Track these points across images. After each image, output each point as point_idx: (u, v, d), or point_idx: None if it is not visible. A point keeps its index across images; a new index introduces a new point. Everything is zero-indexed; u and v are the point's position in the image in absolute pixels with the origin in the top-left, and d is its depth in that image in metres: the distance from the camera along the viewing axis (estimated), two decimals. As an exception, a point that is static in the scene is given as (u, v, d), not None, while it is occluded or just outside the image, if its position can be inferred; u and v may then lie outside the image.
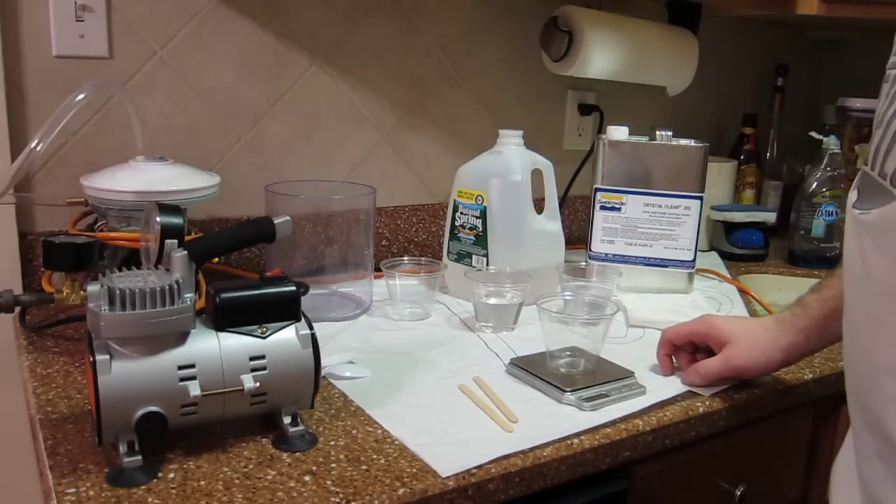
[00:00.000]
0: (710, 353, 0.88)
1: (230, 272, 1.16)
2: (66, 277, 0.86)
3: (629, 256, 1.24)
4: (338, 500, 0.63)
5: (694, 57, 1.49)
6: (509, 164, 1.14)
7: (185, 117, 1.14)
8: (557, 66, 1.35)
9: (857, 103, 1.64)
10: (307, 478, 0.66)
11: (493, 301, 1.04)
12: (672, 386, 0.87)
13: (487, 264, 1.13)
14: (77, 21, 1.03)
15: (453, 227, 1.17)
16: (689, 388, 0.87)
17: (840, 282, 0.76)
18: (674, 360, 0.92)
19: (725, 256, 1.53)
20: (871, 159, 0.59)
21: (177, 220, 0.71)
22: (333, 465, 0.68)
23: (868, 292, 0.58)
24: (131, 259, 0.93)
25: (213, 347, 0.67)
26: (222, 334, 0.68)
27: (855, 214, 0.60)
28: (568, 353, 0.89)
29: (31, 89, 1.03)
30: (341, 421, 0.76)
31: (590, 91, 1.57)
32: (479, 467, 0.68)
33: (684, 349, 0.91)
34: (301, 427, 0.71)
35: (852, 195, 0.62)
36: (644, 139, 1.24)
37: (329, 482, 0.65)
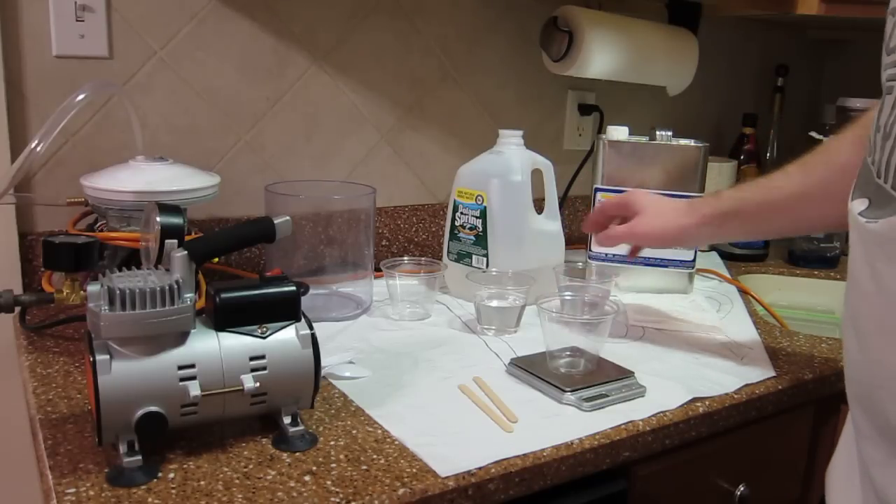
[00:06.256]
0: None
1: (230, 272, 1.16)
2: (66, 277, 0.86)
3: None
4: (338, 500, 0.63)
5: (694, 57, 1.49)
6: (509, 164, 1.14)
7: (185, 117, 1.14)
8: (557, 66, 1.35)
9: (857, 103, 1.64)
10: (307, 478, 0.66)
11: (495, 303, 1.04)
12: (673, 387, 0.88)
13: (487, 264, 1.13)
14: (77, 21, 1.03)
15: (453, 227, 1.17)
16: (689, 390, 0.87)
17: (759, 191, 0.89)
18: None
19: (725, 256, 1.53)
20: (883, 171, 0.58)
21: (177, 220, 0.71)
22: (333, 465, 0.68)
23: (878, 302, 0.58)
24: (131, 259, 0.93)
25: (213, 347, 0.67)
26: (222, 334, 0.68)
27: (861, 223, 0.60)
28: (568, 353, 0.89)
29: (31, 89, 1.03)
30: (341, 421, 0.76)
31: (590, 91, 1.57)
32: (479, 467, 0.68)
33: (615, 219, 1.00)
34: (301, 427, 0.71)
35: (860, 203, 0.61)
36: (644, 139, 1.24)
37: (329, 482, 0.65)
